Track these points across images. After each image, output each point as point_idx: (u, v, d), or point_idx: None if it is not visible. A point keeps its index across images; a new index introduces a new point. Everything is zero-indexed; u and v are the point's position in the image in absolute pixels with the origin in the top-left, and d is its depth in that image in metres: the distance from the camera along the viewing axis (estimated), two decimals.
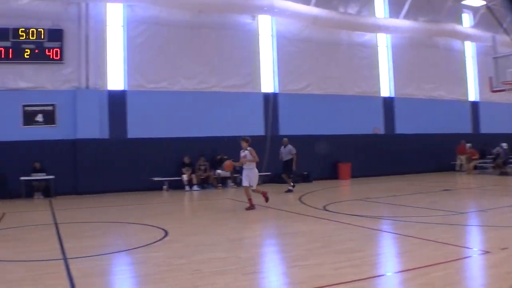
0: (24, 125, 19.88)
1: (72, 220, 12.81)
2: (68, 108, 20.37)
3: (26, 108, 19.95)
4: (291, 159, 19.56)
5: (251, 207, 13.77)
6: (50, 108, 20.25)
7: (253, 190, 14.10)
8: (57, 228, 11.35)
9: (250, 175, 14.00)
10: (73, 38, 20.59)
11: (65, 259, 7.82)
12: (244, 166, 14.11)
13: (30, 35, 19.87)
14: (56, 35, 20.26)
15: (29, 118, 19.97)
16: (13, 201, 18.10)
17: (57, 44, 20.26)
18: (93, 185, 20.09)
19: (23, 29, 19.78)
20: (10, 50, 19.64)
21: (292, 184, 19.30)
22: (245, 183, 14.03)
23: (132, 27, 21.74)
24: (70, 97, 20.41)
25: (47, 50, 20.13)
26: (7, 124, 19.49)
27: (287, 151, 19.76)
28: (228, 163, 14.62)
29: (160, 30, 22.14)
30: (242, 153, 14.14)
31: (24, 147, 19.44)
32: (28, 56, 19.89)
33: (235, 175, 21.65)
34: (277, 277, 6.91)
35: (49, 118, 20.21)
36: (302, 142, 22.87)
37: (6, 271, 7.09)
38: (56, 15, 20.35)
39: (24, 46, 19.81)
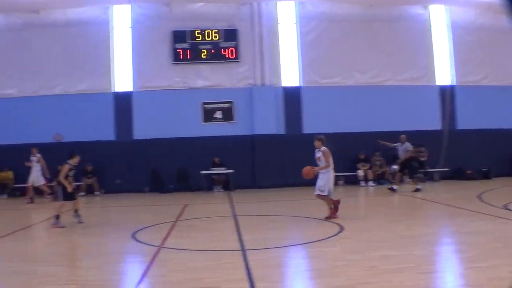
0: (204, 121, 19.86)
1: (249, 213, 12.82)
2: (245, 105, 19.92)
3: (205, 105, 19.89)
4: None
5: (331, 216, 10.77)
6: (228, 105, 19.91)
7: (322, 196, 10.95)
8: (236, 220, 11.33)
9: (323, 179, 10.88)
10: (247, 37, 20.12)
11: (243, 250, 7.78)
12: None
13: (206, 36, 19.81)
14: (231, 35, 19.93)
15: (208, 115, 19.88)
16: (194, 194, 18.25)
17: (232, 43, 19.90)
18: (270, 180, 19.36)
19: (199, 31, 19.76)
20: (188, 51, 19.75)
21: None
22: (316, 190, 10.94)
23: (304, 23, 20.59)
24: (246, 94, 19.94)
25: (222, 49, 19.90)
26: (188, 121, 19.72)
27: (404, 149, 16.87)
28: (306, 170, 10.98)
29: (332, 26, 20.64)
30: (317, 154, 11.10)
31: (204, 143, 19.40)
32: (205, 56, 19.86)
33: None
34: (453, 277, 6.22)
35: (228, 114, 19.91)
36: (480, 136, 20.54)
37: (190, 259, 7.24)
38: (230, 16, 20.13)
39: (201, 47, 19.78)
